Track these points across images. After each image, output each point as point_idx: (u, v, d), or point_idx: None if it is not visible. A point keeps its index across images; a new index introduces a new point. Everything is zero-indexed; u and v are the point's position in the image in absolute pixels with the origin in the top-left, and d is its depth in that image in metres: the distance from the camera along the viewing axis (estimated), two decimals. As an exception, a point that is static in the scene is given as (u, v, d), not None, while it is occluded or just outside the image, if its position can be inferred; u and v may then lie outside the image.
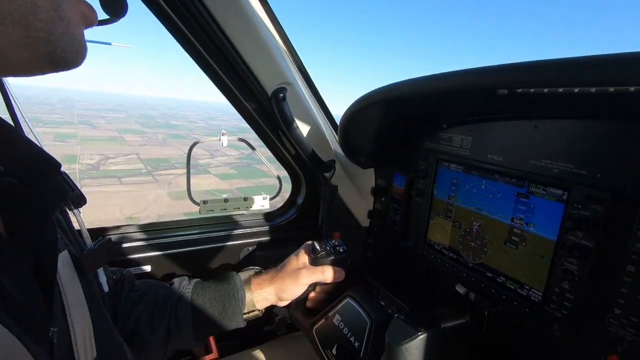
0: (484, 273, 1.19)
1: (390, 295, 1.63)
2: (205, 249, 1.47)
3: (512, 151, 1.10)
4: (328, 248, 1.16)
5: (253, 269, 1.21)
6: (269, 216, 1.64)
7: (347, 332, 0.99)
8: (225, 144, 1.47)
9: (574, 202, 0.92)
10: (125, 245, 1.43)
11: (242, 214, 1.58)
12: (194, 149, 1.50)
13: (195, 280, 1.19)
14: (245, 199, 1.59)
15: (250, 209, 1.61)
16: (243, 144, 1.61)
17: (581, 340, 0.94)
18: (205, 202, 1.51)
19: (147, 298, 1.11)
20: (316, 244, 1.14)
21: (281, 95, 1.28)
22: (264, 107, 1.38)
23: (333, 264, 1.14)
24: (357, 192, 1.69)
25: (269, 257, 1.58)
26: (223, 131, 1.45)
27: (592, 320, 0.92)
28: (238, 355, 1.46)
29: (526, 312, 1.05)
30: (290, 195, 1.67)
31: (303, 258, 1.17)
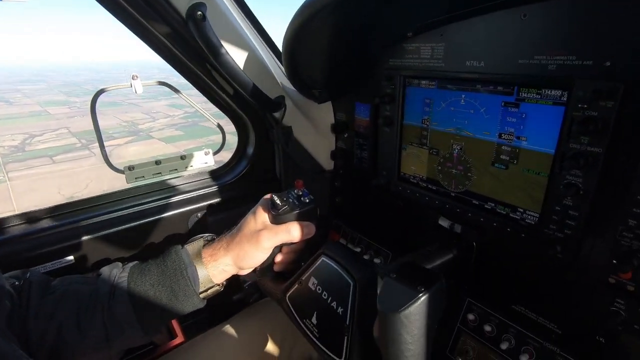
0: (470, 201, 1.05)
1: (366, 240, 1.50)
2: (143, 224, 1.21)
3: (496, 52, 0.90)
4: (291, 200, 0.95)
5: (202, 237, 0.98)
6: (216, 174, 1.37)
7: (327, 297, 0.82)
8: (139, 90, 1.14)
9: (577, 101, 0.76)
10: (36, 236, 1.13)
11: (182, 176, 1.31)
12: (103, 99, 1.15)
13: (130, 265, 0.95)
14: (182, 158, 1.30)
15: (191, 168, 1.33)
16: (168, 91, 1.28)
17: (587, 260, 0.84)
18: (131, 167, 1.21)
19: (67, 301, 0.86)
20: (276, 198, 0.92)
21: (199, 13, 0.96)
22: (180, 35, 1.05)
23: (299, 218, 0.94)
24: (315, 131, 1.45)
25: (224, 220, 1.35)
26: (134, 74, 1.12)
27: (600, 236, 0.81)
28: (207, 334, 1.28)
29: (521, 237, 0.93)
30: (237, 146, 1.41)
31: (262, 217, 0.95)
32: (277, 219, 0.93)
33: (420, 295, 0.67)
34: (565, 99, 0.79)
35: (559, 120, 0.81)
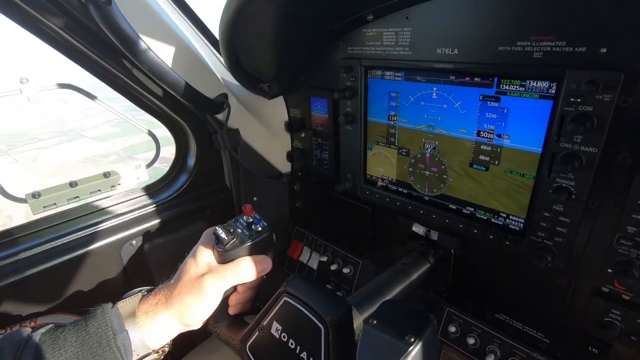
0: (446, 206, 0.95)
1: (332, 247, 1.37)
2: (59, 265, 0.96)
3: (472, 38, 0.78)
4: (240, 230, 0.77)
5: (141, 290, 0.78)
6: (151, 191, 1.14)
7: (295, 346, 0.67)
8: (32, 96, 0.88)
9: (568, 95, 0.66)
10: None
11: (108, 197, 1.07)
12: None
13: (40, 331, 0.73)
14: (106, 175, 1.06)
15: (119, 186, 1.10)
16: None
17: (578, 267, 0.77)
18: (36, 194, 0.95)
19: None
20: (220, 231, 0.74)
21: (101, -6, 0.73)
22: (81, 24, 0.81)
23: (252, 251, 0.77)
24: (267, 131, 1.27)
25: (165, 247, 1.14)
26: (23, 77, 0.86)
27: (594, 244, 0.73)
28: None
29: (505, 244, 0.84)
30: (175, 156, 1.18)
31: (205, 256, 0.77)
32: (225, 257, 0.75)
33: (412, 348, 0.54)
34: (553, 91, 0.69)
35: (547, 116, 0.71)
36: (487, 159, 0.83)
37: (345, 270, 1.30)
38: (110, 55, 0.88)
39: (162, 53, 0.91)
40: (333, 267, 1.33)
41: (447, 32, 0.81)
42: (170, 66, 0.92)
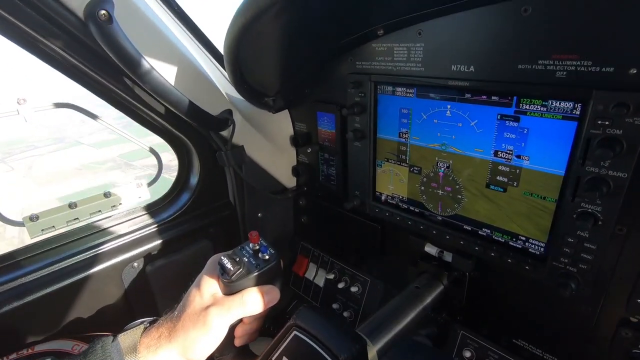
0: (460, 226, 0.91)
1: (340, 265, 1.33)
2: (57, 291, 0.92)
3: (490, 55, 0.74)
4: (246, 259, 0.74)
5: (143, 322, 0.74)
6: (152, 210, 1.10)
7: (308, 383, 0.64)
8: (29, 117, 0.85)
9: (595, 117, 0.62)
10: None
11: (108, 218, 1.03)
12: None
13: None
14: (106, 195, 1.02)
15: (120, 206, 1.06)
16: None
17: (605, 294, 0.73)
18: (34, 217, 0.92)
19: None
20: (225, 260, 0.70)
21: (102, 13, 0.70)
22: (80, 42, 0.78)
23: (259, 282, 0.73)
24: (272, 146, 1.24)
25: (168, 269, 1.09)
26: (20, 98, 0.82)
27: (623, 271, 0.69)
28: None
29: (525, 269, 0.80)
30: (178, 174, 1.15)
31: (210, 287, 0.73)
32: (231, 288, 0.72)
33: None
34: (578, 112, 0.65)
35: (571, 138, 0.67)
36: (505, 180, 0.79)
37: (353, 289, 1.26)
38: (111, 73, 0.84)
39: (165, 70, 0.88)
40: (340, 286, 1.29)
41: (462, 49, 0.77)
42: (174, 83, 0.88)
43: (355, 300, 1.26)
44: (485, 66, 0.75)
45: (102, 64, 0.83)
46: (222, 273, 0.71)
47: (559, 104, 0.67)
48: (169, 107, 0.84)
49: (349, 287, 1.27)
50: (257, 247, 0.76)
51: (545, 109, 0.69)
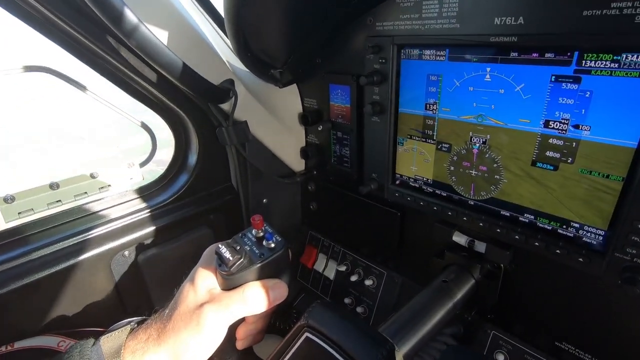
0: (497, 212, 0.79)
1: (352, 256, 1.21)
2: (38, 281, 0.81)
3: (545, 1, 0.61)
4: (248, 248, 0.62)
5: (130, 322, 0.63)
6: (145, 193, 0.98)
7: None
8: (-2, 81, 0.72)
9: (688, 71, 0.49)
10: None
11: (95, 201, 0.92)
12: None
13: None
14: (93, 175, 0.91)
15: (109, 188, 0.95)
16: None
17: None
18: (9, 198, 0.80)
19: None
20: (223, 249, 0.58)
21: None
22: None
23: (262, 275, 0.62)
24: (278, 124, 1.11)
25: (162, 259, 0.98)
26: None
27: None
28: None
29: (578, 261, 0.68)
30: (175, 153, 1.02)
31: (206, 281, 0.62)
32: (230, 282, 0.60)
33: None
34: (663, 67, 0.52)
35: (650, 100, 0.54)
36: (557, 155, 0.66)
37: (368, 282, 1.14)
38: (92, 30, 0.72)
39: (157, 30, 0.76)
40: (353, 279, 1.17)
41: (508, -3, 0.64)
42: (166, 44, 0.76)
43: (370, 295, 1.15)
44: (539, 16, 0.62)
45: (82, 18, 0.71)
46: (219, 264, 0.60)
47: (637, 57, 0.54)
48: (159, 70, 0.72)
49: (363, 280, 1.16)
50: (261, 234, 0.64)
51: (616, 65, 0.56)
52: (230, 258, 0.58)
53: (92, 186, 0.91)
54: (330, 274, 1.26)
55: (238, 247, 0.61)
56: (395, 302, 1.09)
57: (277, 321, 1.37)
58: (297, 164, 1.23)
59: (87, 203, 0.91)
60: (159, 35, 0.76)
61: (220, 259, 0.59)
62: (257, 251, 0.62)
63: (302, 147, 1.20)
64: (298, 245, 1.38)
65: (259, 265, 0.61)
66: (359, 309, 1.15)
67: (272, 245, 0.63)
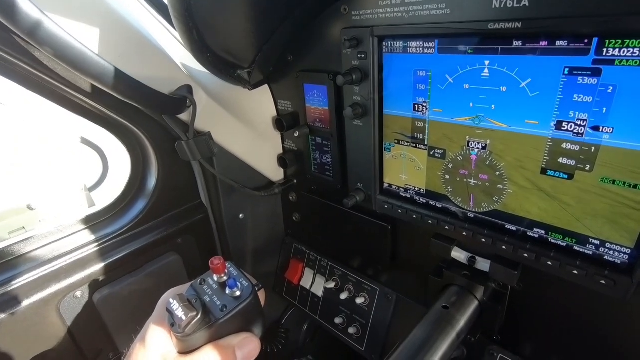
0: (501, 226, 0.68)
1: (341, 270, 1.11)
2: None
3: (553, -23, 0.50)
4: (208, 298, 0.50)
5: None
6: (99, 222, 0.83)
7: None
8: None
9: None
10: None
11: (37, 237, 0.78)
12: None
13: None
14: (30, 207, 0.77)
15: (53, 220, 0.81)
16: None
17: None
18: None
19: None
20: (174, 304, 0.47)
21: None
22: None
23: (226, 331, 0.50)
24: (250, 131, 0.99)
25: (127, 296, 0.85)
26: None
27: None
28: None
29: (600, 284, 0.58)
30: (131, 173, 0.88)
31: (158, 342, 0.50)
32: (187, 343, 0.49)
33: None
34: None
35: (690, 96, 0.44)
36: (572, 162, 0.56)
37: (359, 300, 1.04)
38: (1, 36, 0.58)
39: (85, 33, 0.62)
40: (343, 296, 1.07)
41: (509, -27, 0.53)
42: (98, 50, 0.63)
43: (362, 314, 1.04)
44: (546, -3, 0.50)
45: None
46: (172, 323, 0.48)
47: (674, 43, 0.43)
48: (91, 81, 0.59)
49: (354, 297, 1.05)
50: (224, 279, 0.52)
51: (647, 54, 0.45)
52: (183, 317, 0.47)
53: (31, 219, 0.78)
54: (319, 291, 1.15)
55: (195, 300, 0.49)
56: (389, 321, 0.99)
57: (262, 344, 1.26)
58: (275, 173, 1.11)
59: (24, 240, 0.78)
60: (88, 40, 0.63)
61: (172, 317, 0.47)
62: (218, 303, 0.51)
63: (279, 155, 1.07)
64: (282, 260, 1.27)
65: (220, 321, 0.49)
66: (350, 330, 1.05)
67: (237, 293, 0.52)
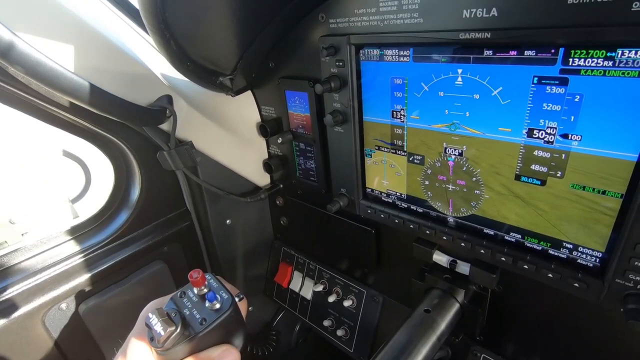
0: (479, 230, 0.69)
1: (329, 273, 1.12)
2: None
3: (520, -12, 0.50)
4: (187, 312, 0.51)
5: None
6: (82, 233, 0.83)
7: None
8: None
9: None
10: None
11: (16, 250, 0.78)
12: None
13: None
14: (11, 222, 0.77)
15: (36, 233, 0.81)
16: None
17: None
18: None
19: None
20: (153, 319, 0.47)
21: None
22: None
23: (206, 344, 0.51)
24: (234, 137, 0.99)
25: (113, 308, 0.85)
26: None
27: None
28: None
29: (574, 287, 0.59)
30: (114, 183, 0.88)
31: (139, 355, 0.50)
32: (166, 357, 0.49)
33: None
34: (668, 65, 0.43)
35: (652, 105, 0.45)
36: (544, 169, 0.57)
37: (347, 303, 1.05)
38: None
39: (55, 47, 0.62)
40: (331, 299, 1.08)
41: (478, -16, 0.53)
42: (74, 65, 0.62)
43: (350, 316, 1.06)
44: (515, 6, 0.51)
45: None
46: (151, 338, 0.48)
47: (635, 53, 0.44)
48: (66, 98, 0.59)
49: (342, 300, 1.06)
50: (204, 291, 0.52)
51: (611, 64, 0.46)
52: (162, 332, 0.47)
53: (13, 234, 0.78)
54: (307, 293, 1.16)
55: (174, 314, 0.50)
56: (377, 323, 1.00)
57: (253, 348, 1.27)
58: (261, 178, 1.12)
59: (7, 254, 0.77)
60: (63, 56, 0.62)
61: (151, 332, 0.48)
62: (197, 316, 0.51)
63: (265, 160, 1.08)
64: (272, 263, 1.27)
65: (199, 335, 0.50)
66: (339, 332, 1.06)
67: (217, 305, 0.52)
